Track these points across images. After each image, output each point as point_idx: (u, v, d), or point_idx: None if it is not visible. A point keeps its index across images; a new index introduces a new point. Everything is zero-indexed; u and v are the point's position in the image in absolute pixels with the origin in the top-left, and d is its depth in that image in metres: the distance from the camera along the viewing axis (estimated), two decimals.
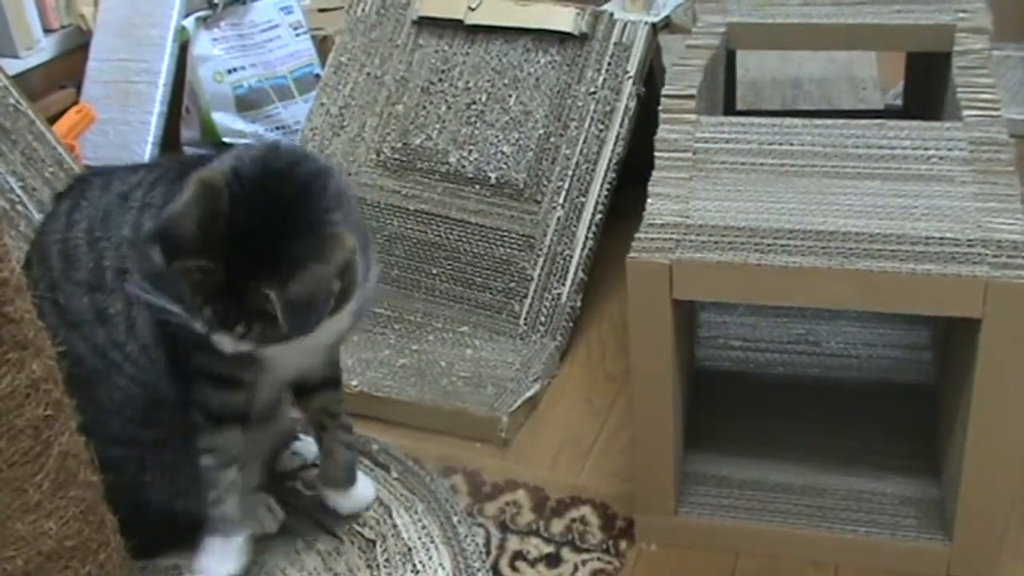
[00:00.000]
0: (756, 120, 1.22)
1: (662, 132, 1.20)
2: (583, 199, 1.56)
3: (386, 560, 1.05)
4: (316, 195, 0.90)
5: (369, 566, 1.05)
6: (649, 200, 1.12)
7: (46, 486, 0.76)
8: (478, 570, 1.05)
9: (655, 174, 1.16)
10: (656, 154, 1.18)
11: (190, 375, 0.97)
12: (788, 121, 1.20)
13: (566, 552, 1.17)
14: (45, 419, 0.76)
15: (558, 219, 1.56)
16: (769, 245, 1.03)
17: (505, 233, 1.58)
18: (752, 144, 1.17)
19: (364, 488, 1.16)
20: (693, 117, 1.21)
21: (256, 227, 0.86)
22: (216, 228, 0.85)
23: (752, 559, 1.14)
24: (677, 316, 1.06)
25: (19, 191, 1.55)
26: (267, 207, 0.87)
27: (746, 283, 1.02)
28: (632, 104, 1.57)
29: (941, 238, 1.01)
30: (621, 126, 1.57)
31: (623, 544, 1.17)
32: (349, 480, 1.14)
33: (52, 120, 1.71)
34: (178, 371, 0.98)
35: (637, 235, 1.07)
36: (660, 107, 1.23)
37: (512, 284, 1.55)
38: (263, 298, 0.84)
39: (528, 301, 1.54)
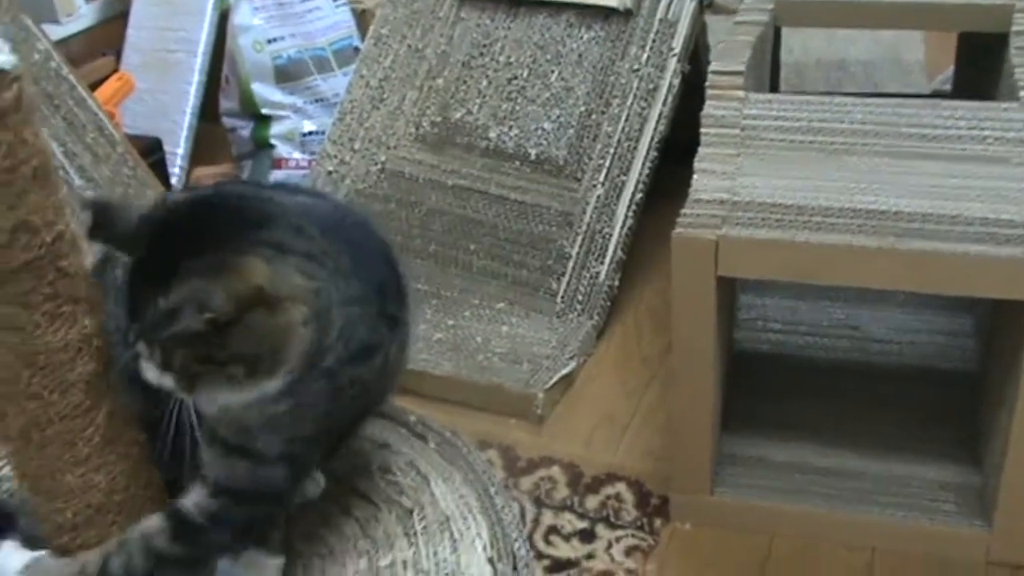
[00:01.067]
0: (806, 97, 1.21)
1: (709, 108, 1.19)
2: (624, 177, 1.54)
3: (424, 528, 1.05)
4: (244, 228, 0.77)
5: (407, 534, 1.04)
6: (695, 176, 1.11)
7: (96, 440, 0.77)
8: (515, 540, 1.05)
9: (701, 150, 1.14)
10: (703, 130, 1.17)
11: None
12: (839, 99, 1.19)
13: (600, 528, 1.17)
14: (96, 374, 0.76)
15: (598, 197, 1.55)
16: (818, 223, 1.02)
17: (544, 210, 1.57)
18: (802, 122, 1.16)
19: None
20: (741, 94, 1.20)
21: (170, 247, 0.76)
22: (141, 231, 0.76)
23: (787, 541, 1.14)
24: (720, 294, 1.05)
25: (60, 156, 1.56)
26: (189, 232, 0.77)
27: (794, 261, 1.01)
28: (676, 82, 1.55)
29: (996, 219, 0.99)
30: (664, 104, 1.55)
31: (657, 522, 1.17)
32: None
33: (93, 88, 1.71)
34: None
35: (683, 211, 1.06)
36: (707, 83, 1.22)
37: (550, 262, 1.55)
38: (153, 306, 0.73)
39: (566, 279, 1.53)
